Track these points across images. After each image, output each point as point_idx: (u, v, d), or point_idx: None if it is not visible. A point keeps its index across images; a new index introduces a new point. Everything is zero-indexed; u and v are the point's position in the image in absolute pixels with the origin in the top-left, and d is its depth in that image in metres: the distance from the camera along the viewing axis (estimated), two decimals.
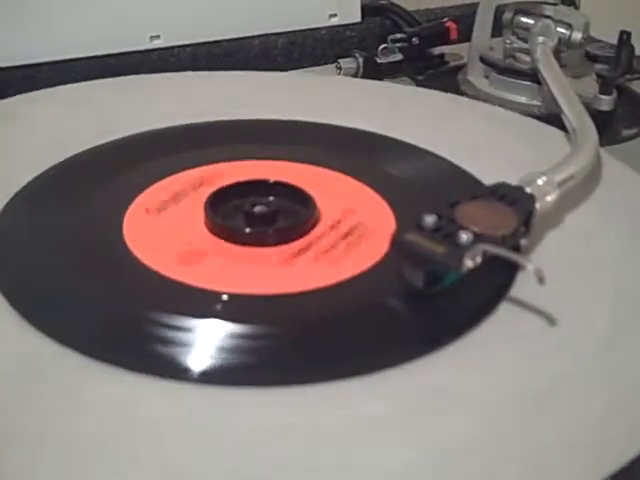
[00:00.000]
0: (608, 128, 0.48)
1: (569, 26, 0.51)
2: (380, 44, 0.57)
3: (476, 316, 0.30)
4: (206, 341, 0.28)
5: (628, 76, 0.53)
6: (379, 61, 0.56)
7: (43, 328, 0.28)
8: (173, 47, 0.56)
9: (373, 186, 0.37)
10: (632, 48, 0.52)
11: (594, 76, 0.52)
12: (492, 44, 0.55)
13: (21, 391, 0.26)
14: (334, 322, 0.30)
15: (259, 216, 0.34)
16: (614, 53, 0.52)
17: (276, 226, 0.34)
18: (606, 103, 0.49)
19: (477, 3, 0.55)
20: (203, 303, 0.30)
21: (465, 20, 0.60)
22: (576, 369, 0.28)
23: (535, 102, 0.51)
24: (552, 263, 0.31)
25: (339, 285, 0.31)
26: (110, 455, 0.24)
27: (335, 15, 0.61)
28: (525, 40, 0.52)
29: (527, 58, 0.51)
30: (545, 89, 0.47)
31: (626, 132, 0.50)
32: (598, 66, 0.52)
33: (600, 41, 0.55)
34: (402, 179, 0.38)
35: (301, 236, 0.34)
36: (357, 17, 0.62)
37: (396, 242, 0.30)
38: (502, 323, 0.30)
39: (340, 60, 0.56)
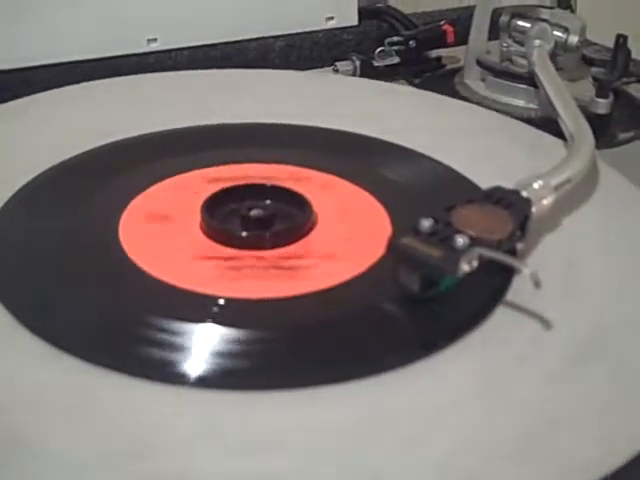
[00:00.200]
0: (605, 131, 0.48)
1: (565, 29, 0.51)
2: (377, 47, 0.57)
3: (472, 320, 0.30)
4: (201, 345, 0.28)
5: (624, 79, 0.53)
6: (376, 64, 0.56)
7: (38, 332, 0.28)
8: (170, 50, 0.56)
9: (369, 190, 0.37)
10: (628, 51, 0.52)
11: (590, 79, 0.52)
12: (489, 47, 0.55)
13: (17, 394, 0.26)
14: (330, 326, 0.30)
15: (255, 220, 0.34)
16: (610, 56, 0.52)
17: (272, 230, 0.34)
18: (603, 106, 0.49)
19: (474, 6, 0.55)
20: (199, 307, 0.30)
21: (462, 23, 0.60)
22: (573, 372, 0.28)
23: (531, 105, 0.51)
24: (548, 267, 0.32)
25: (335, 289, 0.31)
26: (106, 457, 0.24)
27: (332, 18, 0.61)
28: (522, 43, 0.52)
29: (524, 61, 0.52)
30: (542, 92, 0.47)
31: (623, 135, 0.50)
32: (594, 69, 0.52)
33: (596, 44, 0.55)
34: (399, 183, 0.38)
35: (297, 240, 0.34)
36: (354, 20, 0.62)
37: (392, 246, 0.30)
38: (498, 327, 0.30)
39: (337, 63, 0.56)
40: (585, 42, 0.52)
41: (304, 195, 0.36)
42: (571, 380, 0.28)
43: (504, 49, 0.53)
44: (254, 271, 0.32)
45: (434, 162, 0.40)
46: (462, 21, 0.61)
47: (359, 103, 0.47)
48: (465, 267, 0.29)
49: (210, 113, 0.44)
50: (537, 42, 0.50)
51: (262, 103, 0.46)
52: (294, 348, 0.29)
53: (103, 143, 0.41)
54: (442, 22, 0.59)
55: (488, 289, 0.31)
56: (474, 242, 0.29)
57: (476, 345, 0.29)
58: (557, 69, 0.48)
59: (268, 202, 0.36)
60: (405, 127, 0.44)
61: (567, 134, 0.41)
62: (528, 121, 0.47)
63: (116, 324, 0.29)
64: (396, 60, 0.57)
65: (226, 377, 0.27)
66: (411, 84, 0.56)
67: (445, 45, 0.59)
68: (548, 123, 0.44)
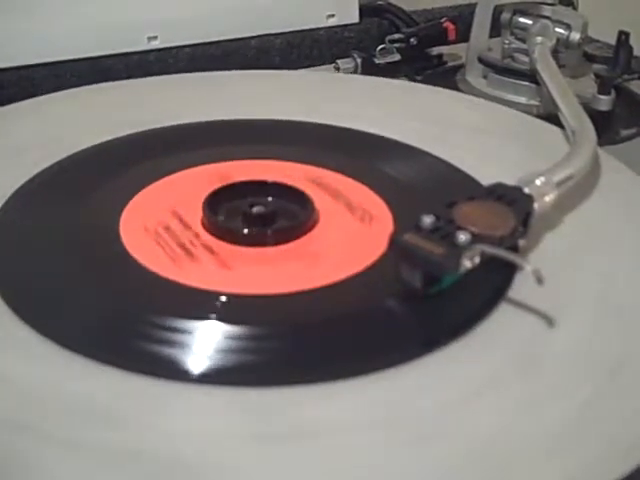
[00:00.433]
0: (606, 128, 0.48)
1: (567, 26, 0.51)
2: (378, 45, 0.57)
3: (475, 317, 0.30)
4: (204, 342, 0.28)
5: (626, 76, 0.53)
6: (377, 62, 0.56)
7: (40, 329, 0.28)
8: (171, 48, 0.56)
9: (371, 186, 0.37)
10: (630, 48, 0.52)
11: (592, 76, 0.52)
12: (490, 44, 0.55)
13: (18, 393, 0.26)
14: (331, 323, 0.30)
15: (257, 217, 0.34)
16: (612, 53, 0.52)
17: (274, 227, 0.34)
18: (604, 103, 0.49)
19: (475, 3, 0.55)
20: (201, 304, 0.30)
21: (463, 20, 0.60)
22: (575, 370, 0.28)
23: (533, 102, 0.51)
24: (550, 263, 0.31)
25: (337, 286, 0.31)
26: (109, 455, 0.24)
27: (333, 16, 0.61)
28: (523, 40, 0.52)
29: (525, 58, 0.51)
30: (543, 89, 0.47)
31: (624, 132, 0.49)
32: (596, 66, 0.52)
33: (598, 41, 0.55)
34: (400, 180, 0.38)
35: (300, 236, 0.34)
36: (355, 18, 0.62)
37: (394, 243, 0.30)
38: (501, 324, 0.30)
39: (338, 61, 0.56)
40: (587, 39, 0.52)
41: (306, 192, 0.36)
42: (574, 377, 0.28)
43: (506, 46, 0.53)
44: (255, 268, 0.32)
45: (436, 159, 0.40)
46: (463, 18, 0.61)
47: (360, 100, 0.47)
48: (467, 264, 0.29)
49: (209, 112, 0.44)
50: (539, 39, 0.50)
51: (261, 101, 0.46)
52: (295, 345, 0.29)
53: (106, 139, 0.41)
54: (443, 19, 0.59)
55: (490, 286, 0.31)
56: (476, 239, 0.29)
57: (479, 342, 0.29)
58: (559, 66, 0.48)
59: (270, 199, 0.36)
60: (407, 124, 0.44)
61: (569, 131, 0.41)
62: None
63: (118, 321, 0.29)
64: (397, 57, 0.57)
65: (229, 374, 0.27)
66: (414, 81, 0.56)
67: (446, 42, 0.59)
68: (550, 120, 0.44)
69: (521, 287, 0.31)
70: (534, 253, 0.33)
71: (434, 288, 0.30)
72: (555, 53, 0.50)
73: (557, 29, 0.51)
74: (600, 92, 0.49)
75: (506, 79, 0.52)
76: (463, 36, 0.57)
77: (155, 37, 0.56)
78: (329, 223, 0.35)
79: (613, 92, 0.50)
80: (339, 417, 0.26)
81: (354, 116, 0.44)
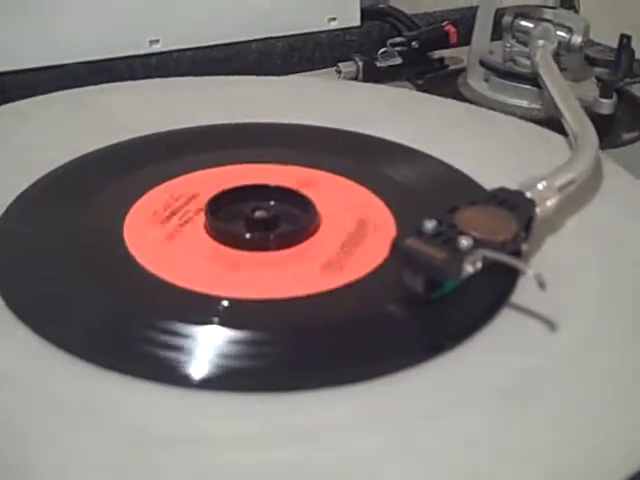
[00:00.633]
0: (608, 132, 0.48)
1: (569, 29, 0.51)
2: (379, 48, 0.57)
3: (477, 322, 0.30)
4: (206, 347, 0.28)
5: (628, 79, 0.53)
6: (379, 65, 0.56)
7: (43, 333, 0.28)
8: (172, 51, 0.56)
9: (374, 190, 0.37)
10: (632, 51, 0.52)
11: (594, 80, 0.52)
12: (492, 48, 0.55)
13: (22, 396, 0.26)
14: (333, 329, 0.30)
15: (259, 221, 0.34)
16: (614, 56, 0.52)
17: (277, 231, 0.34)
18: (606, 107, 0.49)
19: (477, 7, 0.55)
20: (202, 309, 0.30)
21: (465, 23, 0.60)
22: (578, 373, 0.28)
23: (535, 106, 0.51)
24: (553, 268, 0.31)
25: (339, 291, 0.31)
26: (111, 460, 0.24)
27: (334, 19, 0.61)
28: (525, 44, 0.52)
29: (527, 62, 0.51)
30: (545, 93, 0.47)
31: (626, 135, 0.49)
32: (598, 69, 0.52)
33: (600, 44, 0.55)
34: (403, 184, 0.38)
35: (302, 241, 0.34)
36: (356, 21, 0.62)
37: (396, 247, 0.30)
38: (503, 329, 0.30)
39: (340, 64, 0.56)
40: (589, 42, 0.52)
41: (308, 196, 0.36)
42: (577, 382, 0.28)
43: (507, 49, 0.53)
44: (258, 272, 0.32)
45: (438, 163, 0.40)
46: (465, 21, 0.61)
47: (362, 104, 0.47)
48: (469, 268, 0.29)
49: (213, 116, 0.44)
50: (540, 42, 0.50)
51: (265, 105, 0.46)
52: (298, 350, 0.29)
53: (108, 144, 0.41)
54: (445, 22, 0.59)
55: (493, 291, 0.31)
56: (478, 243, 0.29)
57: (481, 347, 0.29)
58: (560, 69, 0.48)
59: (272, 203, 0.36)
60: (410, 128, 0.44)
61: (571, 134, 0.41)
62: (531, 121, 0.46)
63: (120, 325, 0.29)
64: (399, 61, 0.57)
65: (231, 379, 0.27)
66: (414, 85, 0.56)
67: (448, 46, 0.59)
68: (551, 123, 0.44)
69: (523, 292, 0.31)
70: (536, 258, 0.33)
71: (436, 293, 0.30)
72: (557, 56, 0.50)
73: (559, 32, 0.51)
74: (602, 95, 0.49)
75: (508, 82, 0.52)
76: (464, 39, 0.57)
77: (157, 40, 0.56)
78: (331, 227, 0.35)
79: (615, 95, 0.50)
80: (342, 422, 0.26)
81: (358, 120, 0.44)
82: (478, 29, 0.55)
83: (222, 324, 0.29)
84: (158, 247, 0.33)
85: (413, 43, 0.57)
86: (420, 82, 0.56)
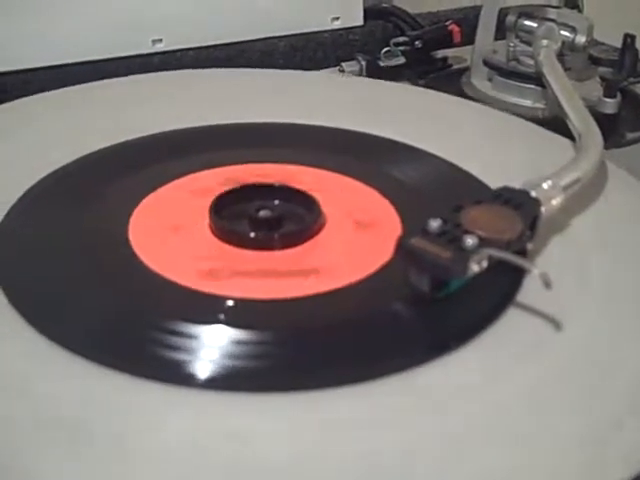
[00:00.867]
0: (612, 131, 0.48)
1: (573, 29, 0.51)
2: (383, 47, 0.57)
3: (483, 321, 0.30)
4: (211, 347, 0.28)
5: (632, 79, 0.53)
6: (382, 64, 0.56)
7: (47, 333, 0.28)
8: (175, 51, 0.56)
9: (379, 189, 0.37)
10: (636, 51, 0.52)
11: (598, 79, 0.52)
12: (495, 47, 0.55)
13: (24, 395, 0.26)
14: (338, 328, 0.29)
15: (264, 220, 0.34)
16: (618, 56, 0.52)
17: (281, 231, 0.34)
18: (610, 106, 0.49)
19: (480, 6, 0.55)
20: (206, 308, 0.30)
21: (468, 23, 0.60)
22: (584, 373, 0.28)
23: (539, 105, 0.51)
24: (558, 267, 0.31)
25: (344, 290, 0.31)
26: (111, 460, 0.24)
27: (337, 18, 0.61)
28: (529, 43, 0.52)
29: (531, 61, 0.51)
30: (549, 92, 0.47)
31: (630, 135, 0.49)
32: (602, 69, 0.52)
33: (604, 44, 0.55)
34: (408, 183, 0.38)
35: (306, 240, 0.34)
36: (359, 20, 0.62)
37: (401, 247, 0.30)
38: (509, 328, 0.30)
39: (343, 63, 0.56)
40: (592, 42, 0.52)
41: (312, 195, 0.36)
42: (583, 379, 0.28)
43: (511, 49, 0.53)
44: (262, 272, 0.32)
45: (444, 162, 0.40)
46: (468, 21, 0.61)
47: (368, 103, 0.47)
48: (474, 268, 0.29)
49: (217, 114, 0.44)
50: (544, 42, 0.50)
51: (269, 103, 0.46)
52: (302, 350, 0.29)
53: (113, 143, 0.41)
54: (448, 22, 0.59)
55: (499, 290, 0.31)
56: (483, 242, 0.29)
57: (487, 346, 0.29)
58: (564, 69, 0.48)
59: (276, 202, 0.36)
60: (415, 127, 0.44)
61: (575, 134, 0.41)
62: (535, 121, 0.46)
63: (124, 325, 0.29)
64: (402, 60, 0.57)
65: (236, 379, 0.27)
66: (417, 84, 0.56)
67: (451, 45, 0.59)
68: (555, 123, 0.44)
69: (529, 291, 0.31)
70: (541, 257, 0.33)
71: (442, 292, 0.30)
72: (560, 56, 0.50)
73: (562, 32, 0.51)
74: (606, 95, 0.49)
75: (511, 82, 0.52)
76: (468, 39, 0.57)
77: (160, 40, 0.56)
78: (336, 227, 0.35)
79: (619, 95, 0.50)
80: (346, 422, 0.26)
81: (363, 119, 0.44)
82: (482, 28, 0.54)
83: (226, 324, 0.29)
84: (163, 247, 0.33)
85: (416, 43, 0.57)
86: (423, 82, 0.56)
